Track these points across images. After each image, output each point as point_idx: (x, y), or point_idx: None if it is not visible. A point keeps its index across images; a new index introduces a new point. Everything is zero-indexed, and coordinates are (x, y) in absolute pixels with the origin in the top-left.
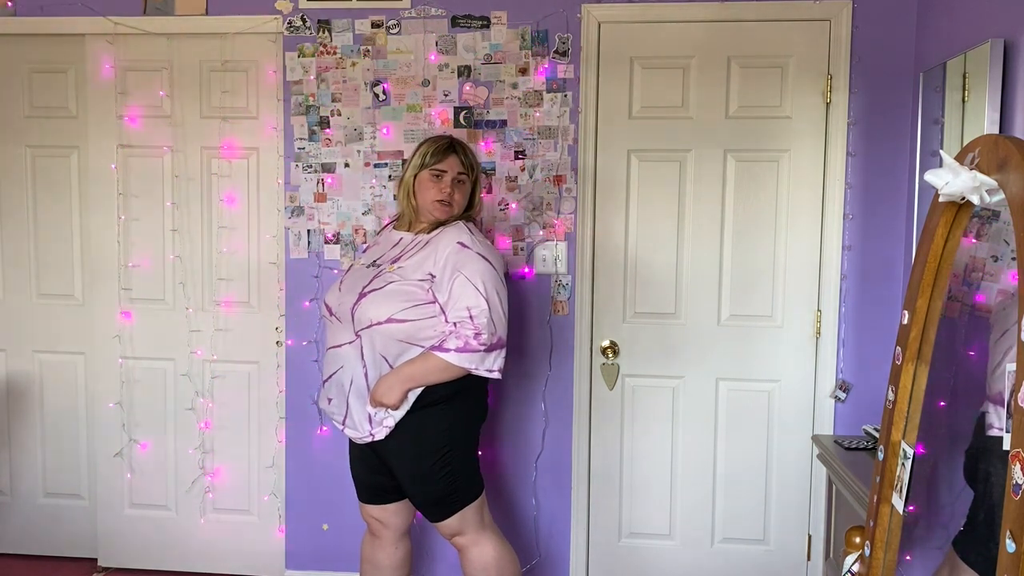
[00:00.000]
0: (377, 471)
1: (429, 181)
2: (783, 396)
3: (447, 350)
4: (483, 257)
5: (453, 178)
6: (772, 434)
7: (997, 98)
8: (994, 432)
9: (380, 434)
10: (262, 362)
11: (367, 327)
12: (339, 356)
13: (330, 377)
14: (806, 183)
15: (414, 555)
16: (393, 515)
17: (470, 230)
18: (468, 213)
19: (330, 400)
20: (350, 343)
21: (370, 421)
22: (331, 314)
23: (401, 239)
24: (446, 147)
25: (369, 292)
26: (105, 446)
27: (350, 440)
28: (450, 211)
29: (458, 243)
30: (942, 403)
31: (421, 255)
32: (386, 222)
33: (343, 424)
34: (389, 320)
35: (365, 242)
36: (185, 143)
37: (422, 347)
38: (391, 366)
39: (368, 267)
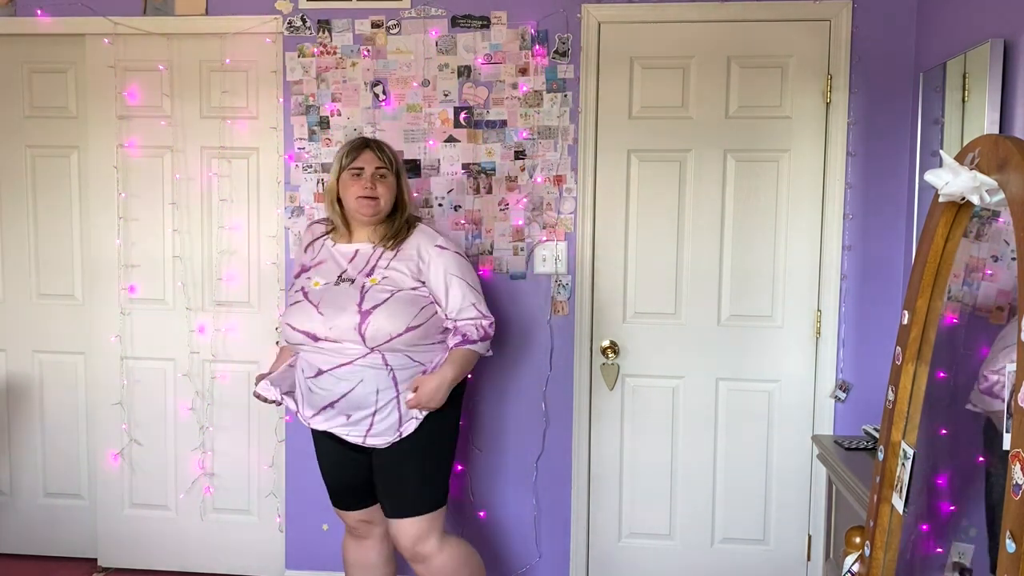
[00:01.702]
0: (367, 468)
1: (350, 181)
2: (783, 396)
3: (474, 342)
4: (459, 254)
5: (372, 173)
6: (772, 434)
7: (997, 98)
8: (968, 407)
9: (410, 427)
10: (262, 362)
11: (387, 341)
12: (352, 373)
13: (343, 397)
14: (806, 183)
15: (399, 557)
16: (380, 511)
17: (435, 231)
18: (404, 215)
19: (348, 417)
20: (363, 357)
21: (400, 421)
22: (316, 340)
23: (358, 251)
24: (360, 144)
25: (374, 309)
26: (105, 446)
27: (328, 451)
28: (376, 206)
29: (437, 247)
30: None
31: (402, 264)
32: (309, 239)
33: (365, 436)
34: (408, 329)
35: None
36: (185, 143)
37: (435, 342)
38: (415, 360)
39: (336, 285)
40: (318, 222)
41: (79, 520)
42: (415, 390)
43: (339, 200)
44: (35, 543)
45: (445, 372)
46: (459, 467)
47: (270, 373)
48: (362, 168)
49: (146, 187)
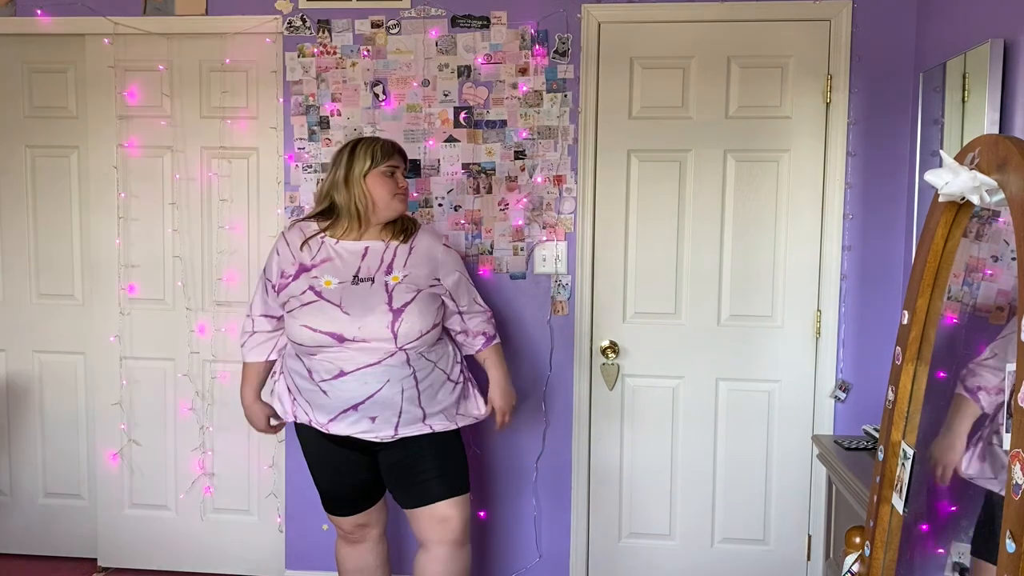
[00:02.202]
0: (370, 468)
1: (382, 178)
2: (783, 396)
3: (495, 335)
4: (456, 252)
5: (402, 173)
6: (772, 434)
7: (997, 98)
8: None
9: (438, 424)
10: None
11: (417, 339)
12: (379, 374)
13: (368, 398)
14: (806, 183)
15: (393, 556)
16: (377, 512)
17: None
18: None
19: (374, 420)
20: (391, 356)
21: (424, 416)
22: (343, 341)
23: (368, 249)
24: (392, 147)
25: (405, 307)
26: (105, 446)
27: (329, 456)
28: (407, 202)
29: (444, 246)
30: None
31: (420, 262)
32: (301, 237)
33: (395, 430)
34: (433, 326)
35: None
36: (185, 143)
37: (442, 338)
38: (428, 359)
39: (355, 284)
40: (305, 219)
41: (79, 520)
42: (494, 411)
43: (368, 193)
44: (35, 543)
45: (498, 376)
46: None
47: (264, 406)
48: (396, 167)
49: (146, 187)
